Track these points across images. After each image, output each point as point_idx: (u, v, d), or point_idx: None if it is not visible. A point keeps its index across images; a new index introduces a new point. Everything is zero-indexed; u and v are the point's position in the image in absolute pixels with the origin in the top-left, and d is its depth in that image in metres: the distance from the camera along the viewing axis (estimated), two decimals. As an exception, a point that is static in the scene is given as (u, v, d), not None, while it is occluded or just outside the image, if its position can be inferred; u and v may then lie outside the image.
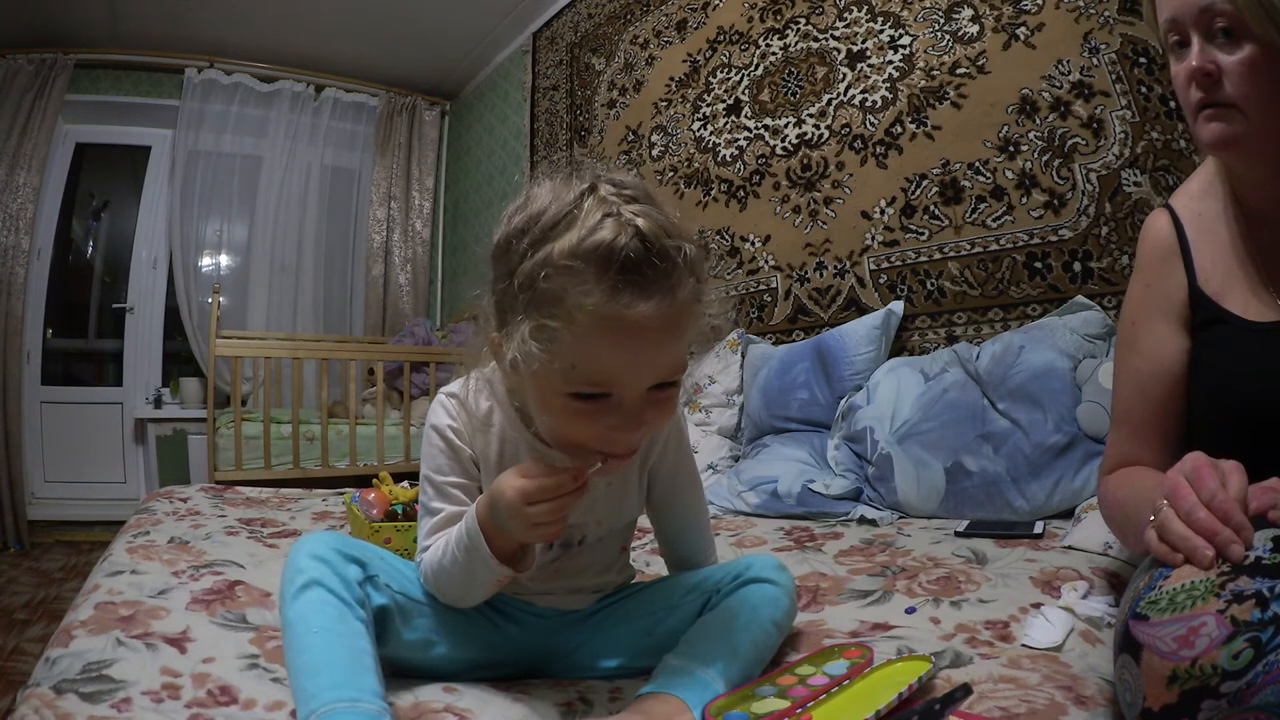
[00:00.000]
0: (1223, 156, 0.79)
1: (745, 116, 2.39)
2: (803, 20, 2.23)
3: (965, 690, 0.63)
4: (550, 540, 0.69)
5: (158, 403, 3.70)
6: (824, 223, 2.13)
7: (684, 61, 2.64)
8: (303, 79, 4.04)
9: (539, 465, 0.63)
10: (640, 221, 0.57)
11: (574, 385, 0.59)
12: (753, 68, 2.38)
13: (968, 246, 1.79)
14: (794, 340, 2.14)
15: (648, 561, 1.18)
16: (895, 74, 1.96)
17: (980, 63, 1.78)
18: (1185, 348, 0.82)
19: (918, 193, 1.90)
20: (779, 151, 2.27)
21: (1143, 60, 1.51)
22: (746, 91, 2.40)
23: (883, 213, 1.98)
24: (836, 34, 2.13)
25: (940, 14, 1.87)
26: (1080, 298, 1.54)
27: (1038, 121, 1.67)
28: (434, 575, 0.71)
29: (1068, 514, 1.30)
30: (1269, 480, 0.61)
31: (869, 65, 2.03)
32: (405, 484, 1.46)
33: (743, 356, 2.12)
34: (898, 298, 1.92)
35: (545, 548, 0.74)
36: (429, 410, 0.76)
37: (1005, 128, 1.73)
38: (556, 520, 0.62)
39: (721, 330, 0.66)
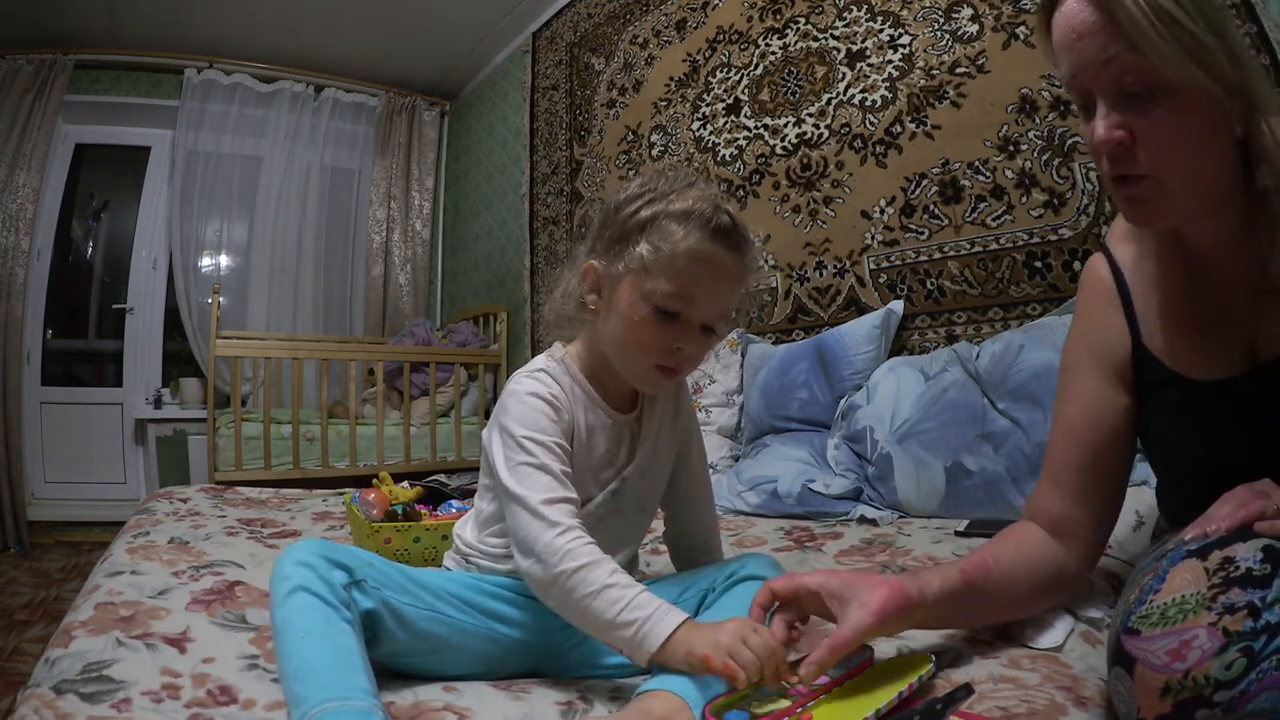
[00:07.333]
0: (1148, 229, 0.75)
1: (745, 116, 2.39)
2: (802, 20, 2.23)
3: (966, 690, 0.63)
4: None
5: (158, 403, 3.70)
6: (824, 222, 2.12)
7: (683, 61, 2.64)
8: (302, 79, 4.04)
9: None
10: (731, 209, 0.81)
11: (660, 301, 0.77)
12: (752, 67, 2.38)
13: (967, 246, 1.79)
14: (794, 340, 2.14)
15: (648, 562, 1.18)
16: (895, 73, 1.96)
17: (980, 62, 1.78)
18: (1120, 404, 0.78)
19: (917, 192, 1.90)
20: (779, 151, 2.27)
21: (1142, 59, 1.51)
22: (746, 91, 2.40)
23: (882, 212, 1.98)
24: (836, 33, 2.12)
25: (940, 13, 1.87)
26: (1080, 297, 1.54)
27: (1037, 121, 1.67)
28: (569, 587, 0.68)
29: (1068, 513, 1.29)
30: (1259, 482, 0.60)
31: (868, 65, 2.03)
32: (405, 484, 1.45)
33: (743, 356, 2.12)
34: (897, 297, 1.92)
35: (605, 498, 0.84)
36: (515, 382, 0.82)
37: (1005, 127, 1.73)
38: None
39: (763, 301, 0.81)
